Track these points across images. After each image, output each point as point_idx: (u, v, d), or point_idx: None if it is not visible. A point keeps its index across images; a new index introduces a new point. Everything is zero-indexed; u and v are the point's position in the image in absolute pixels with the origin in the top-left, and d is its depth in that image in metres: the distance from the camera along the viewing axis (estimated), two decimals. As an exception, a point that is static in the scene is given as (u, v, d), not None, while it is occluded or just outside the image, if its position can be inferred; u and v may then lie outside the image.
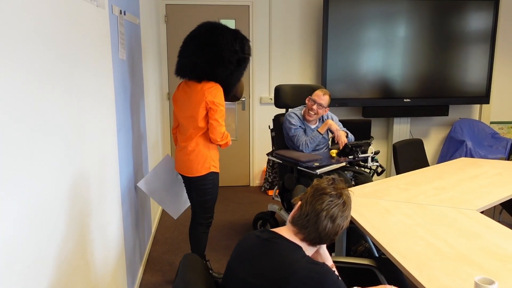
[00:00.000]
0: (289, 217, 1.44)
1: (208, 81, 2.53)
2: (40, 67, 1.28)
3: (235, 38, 2.54)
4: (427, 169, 3.14)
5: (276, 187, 3.75)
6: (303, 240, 1.37)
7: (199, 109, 2.50)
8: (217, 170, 2.66)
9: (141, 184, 2.79)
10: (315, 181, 1.45)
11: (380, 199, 2.44)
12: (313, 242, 1.37)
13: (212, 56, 2.48)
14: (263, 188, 4.84)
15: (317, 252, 1.50)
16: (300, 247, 1.34)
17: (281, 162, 3.20)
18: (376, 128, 5.14)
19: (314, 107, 3.15)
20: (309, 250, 1.39)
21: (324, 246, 1.51)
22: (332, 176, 1.48)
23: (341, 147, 3.03)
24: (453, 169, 3.12)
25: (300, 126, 3.22)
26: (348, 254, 2.68)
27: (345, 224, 1.40)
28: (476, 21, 4.78)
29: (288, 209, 3.37)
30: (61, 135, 1.45)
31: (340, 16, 4.58)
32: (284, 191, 3.33)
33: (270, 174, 4.41)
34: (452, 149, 4.88)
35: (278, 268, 1.25)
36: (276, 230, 1.41)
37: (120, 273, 2.31)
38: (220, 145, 2.62)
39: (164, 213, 4.22)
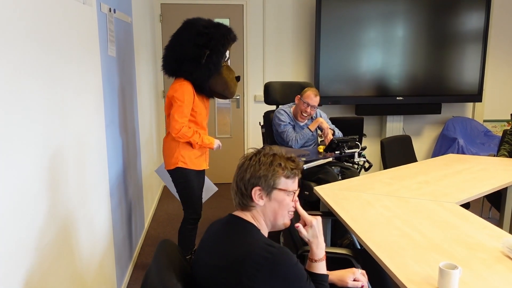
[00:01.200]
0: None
1: (178, 77, 2.62)
2: (21, 59, 1.34)
3: (200, 33, 2.49)
4: (413, 164, 3.19)
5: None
6: (249, 214, 1.38)
7: (166, 103, 2.65)
8: (186, 166, 2.66)
9: (157, 170, 3.01)
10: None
11: (363, 193, 2.49)
12: (249, 207, 1.39)
13: (177, 51, 2.56)
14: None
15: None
16: (254, 226, 1.36)
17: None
18: (370, 126, 5.18)
19: (308, 109, 3.20)
20: (263, 227, 1.41)
21: (317, 242, 1.48)
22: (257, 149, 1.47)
23: (327, 144, 3.09)
24: (439, 164, 3.17)
25: (289, 123, 3.27)
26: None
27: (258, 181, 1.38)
28: (469, 19, 4.82)
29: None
30: (44, 125, 1.51)
31: (333, 14, 4.64)
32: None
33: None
34: (444, 147, 4.92)
35: (236, 250, 1.27)
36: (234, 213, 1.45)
37: (108, 263, 2.37)
38: (191, 144, 2.64)
39: (158, 209, 4.28)
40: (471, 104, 5.33)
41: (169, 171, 2.70)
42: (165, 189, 4.96)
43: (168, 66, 2.64)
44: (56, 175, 1.63)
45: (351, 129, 3.97)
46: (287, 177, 1.37)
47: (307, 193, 2.99)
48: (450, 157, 3.43)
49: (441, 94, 4.93)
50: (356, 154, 3.06)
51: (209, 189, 3.01)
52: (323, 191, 2.54)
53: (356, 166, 3.21)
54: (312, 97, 3.16)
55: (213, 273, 1.30)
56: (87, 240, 1.99)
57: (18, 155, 1.32)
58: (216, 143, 2.72)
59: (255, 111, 5.05)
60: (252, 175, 1.35)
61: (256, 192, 1.35)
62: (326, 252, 1.99)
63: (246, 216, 1.38)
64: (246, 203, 1.37)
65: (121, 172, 2.78)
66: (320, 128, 3.28)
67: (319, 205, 3.01)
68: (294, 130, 3.27)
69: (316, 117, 3.34)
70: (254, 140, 5.11)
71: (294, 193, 1.40)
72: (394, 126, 5.07)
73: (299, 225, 1.45)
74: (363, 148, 3.10)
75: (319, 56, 4.67)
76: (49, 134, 1.57)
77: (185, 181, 2.68)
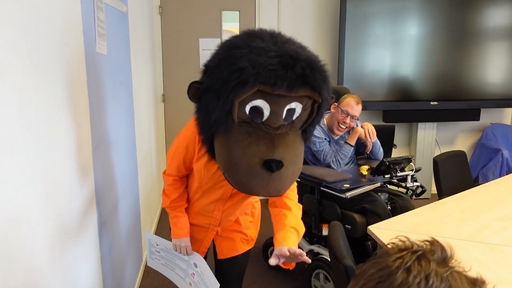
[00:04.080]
0: None
1: None
2: None
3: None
4: (477, 190, 2.58)
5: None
6: None
7: None
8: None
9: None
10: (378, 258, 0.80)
11: (438, 235, 1.87)
12: None
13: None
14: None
15: None
16: None
17: (299, 180, 2.63)
18: (398, 134, 4.55)
19: (347, 120, 2.59)
20: None
21: None
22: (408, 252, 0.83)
23: (368, 148, 2.52)
24: (509, 188, 2.56)
25: (325, 139, 2.65)
26: None
27: None
28: (510, 14, 4.22)
29: (306, 235, 2.80)
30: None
31: (359, 10, 4.01)
32: (302, 214, 2.76)
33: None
34: (484, 158, 4.32)
35: None
36: None
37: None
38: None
39: (157, 235, 3.64)
40: (509, 110, 4.74)
41: None
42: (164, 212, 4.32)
43: None
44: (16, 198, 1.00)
45: (380, 139, 3.37)
46: None
47: (349, 227, 2.37)
48: (514, 178, 2.82)
49: (480, 98, 4.32)
50: (409, 178, 2.44)
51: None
52: (380, 232, 1.92)
53: (405, 190, 2.59)
54: (353, 105, 2.55)
55: None
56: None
57: None
58: (180, 242, 1.70)
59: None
60: None
61: None
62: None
63: None
64: None
65: (114, 203, 2.15)
66: (361, 139, 2.67)
67: (364, 243, 2.40)
68: (330, 146, 2.65)
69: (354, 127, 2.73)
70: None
71: None
72: (426, 134, 4.46)
73: None
74: (417, 170, 2.49)
75: (343, 56, 4.05)
76: (15, 144, 0.94)
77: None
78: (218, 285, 1.67)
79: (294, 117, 1.28)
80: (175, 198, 1.66)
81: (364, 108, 4.16)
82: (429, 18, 4.15)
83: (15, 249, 1.05)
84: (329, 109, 1.30)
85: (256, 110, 1.23)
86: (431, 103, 4.24)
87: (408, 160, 2.40)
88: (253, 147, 1.24)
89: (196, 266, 1.75)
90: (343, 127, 2.59)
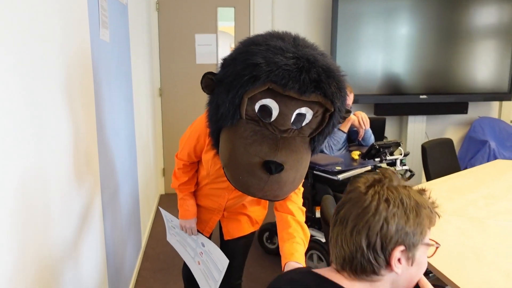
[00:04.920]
0: (331, 258, 0.92)
1: None
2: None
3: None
4: (463, 173, 2.71)
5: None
6: (362, 284, 0.86)
7: None
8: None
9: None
10: (348, 191, 0.92)
11: (423, 212, 1.99)
12: (379, 273, 0.85)
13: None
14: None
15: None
16: None
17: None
18: (388, 127, 4.70)
19: None
20: None
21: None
22: (366, 176, 0.93)
23: (361, 135, 2.61)
24: (494, 173, 2.69)
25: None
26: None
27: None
28: (497, 12, 4.37)
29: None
30: (13, 129, 0.98)
31: (351, 7, 4.14)
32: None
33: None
34: (472, 150, 4.45)
35: None
36: (321, 272, 0.92)
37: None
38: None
39: (155, 224, 3.73)
40: (496, 104, 4.89)
41: None
42: (162, 198, 4.41)
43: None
44: (29, 182, 1.09)
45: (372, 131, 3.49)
46: (431, 227, 0.89)
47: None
48: (499, 164, 2.95)
49: (468, 92, 4.46)
50: (398, 162, 2.56)
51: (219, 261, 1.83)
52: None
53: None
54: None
55: None
56: (73, 271, 1.45)
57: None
58: (185, 223, 1.80)
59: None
60: (398, 228, 0.82)
61: (396, 255, 0.83)
62: None
63: (353, 285, 0.86)
64: (373, 269, 0.84)
65: (116, 185, 2.24)
66: (353, 126, 2.77)
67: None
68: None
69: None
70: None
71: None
72: (416, 127, 4.59)
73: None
74: (406, 154, 2.60)
75: (335, 51, 4.17)
76: (24, 131, 1.04)
77: None
78: (227, 261, 1.72)
79: (304, 123, 1.25)
80: (184, 181, 1.72)
81: (356, 101, 4.29)
82: (419, 15, 4.28)
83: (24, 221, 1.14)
84: (340, 122, 1.31)
85: (265, 109, 1.22)
86: (421, 96, 4.37)
87: (397, 144, 2.51)
88: (256, 146, 1.22)
89: (203, 245, 1.83)
90: None
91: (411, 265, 0.84)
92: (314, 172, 2.56)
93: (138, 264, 2.91)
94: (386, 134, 4.53)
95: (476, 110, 4.80)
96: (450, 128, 4.86)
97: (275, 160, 1.17)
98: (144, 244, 3.27)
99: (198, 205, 1.78)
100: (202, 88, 1.30)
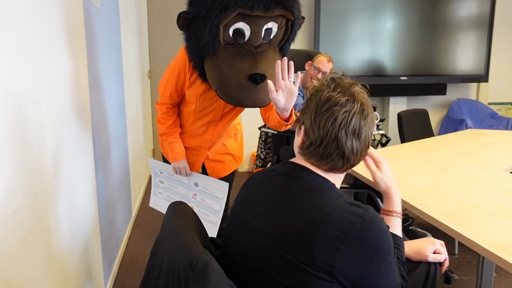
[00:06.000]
0: (295, 147, 1.07)
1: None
2: None
3: None
4: (435, 138, 2.88)
5: (270, 164, 3.43)
6: (329, 170, 1.02)
7: None
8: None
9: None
10: (310, 89, 1.08)
11: (394, 162, 2.15)
12: (342, 170, 1.03)
13: None
14: (254, 166, 4.50)
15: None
16: (331, 183, 1.01)
17: (276, 133, 2.88)
18: (377, 110, 4.87)
19: (319, 76, 2.84)
20: (338, 180, 1.06)
21: (392, 189, 1.18)
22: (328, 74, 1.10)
23: None
24: (463, 137, 2.86)
25: (299, 94, 2.91)
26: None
27: (373, 131, 1.05)
28: (475, 4, 4.58)
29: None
30: (12, 69, 1.10)
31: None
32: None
33: (262, 150, 4.07)
34: (450, 129, 4.64)
35: (305, 212, 0.91)
36: (294, 160, 1.07)
37: (94, 249, 1.96)
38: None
39: (145, 199, 3.85)
40: (474, 86, 5.09)
41: None
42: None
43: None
44: (24, 128, 1.22)
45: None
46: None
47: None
48: (470, 132, 3.13)
49: (446, 74, 4.66)
50: (374, 127, 2.71)
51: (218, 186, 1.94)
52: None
53: (373, 140, 2.86)
54: (324, 62, 2.81)
55: (265, 243, 0.93)
56: (67, 218, 1.58)
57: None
58: (178, 165, 1.91)
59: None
60: (366, 136, 1.02)
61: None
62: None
63: (319, 171, 1.02)
64: (345, 167, 1.02)
65: (107, 145, 2.37)
66: None
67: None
68: (303, 100, 2.91)
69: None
70: (248, 121, 4.73)
71: None
72: (397, 108, 4.76)
73: (369, 163, 1.12)
74: (382, 120, 2.76)
75: (318, 32, 4.33)
76: (18, 79, 1.16)
77: None
78: (227, 184, 1.87)
79: (272, 36, 1.50)
80: (169, 124, 1.87)
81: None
82: (401, 5, 4.47)
83: (23, 161, 1.27)
84: (299, 28, 1.54)
85: (238, 32, 1.44)
86: (401, 78, 4.55)
87: (373, 108, 2.66)
88: (239, 64, 1.45)
89: (196, 185, 1.96)
90: (315, 82, 2.85)
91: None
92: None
93: (128, 231, 3.03)
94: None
95: (455, 92, 5.00)
96: (430, 109, 5.03)
97: (258, 72, 1.41)
98: (135, 214, 3.39)
99: (185, 148, 1.91)
100: (179, 27, 1.48)
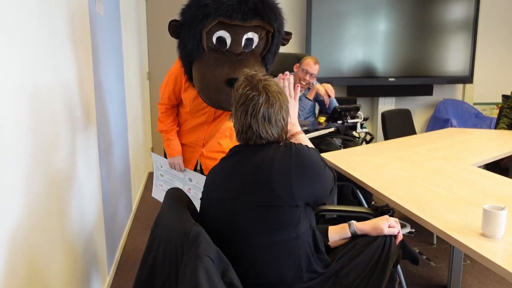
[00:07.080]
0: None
1: None
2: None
3: None
4: (416, 136, 3.08)
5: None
6: None
7: None
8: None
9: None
10: (233, 89, 1.31)
11: (372, 157, 2.35)
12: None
13: None
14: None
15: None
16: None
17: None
18: (361, 108, 5.07)
19: (307, 77, 3.04)
20: None
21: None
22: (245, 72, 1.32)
23: (326, 102, 2.96)
24: (443, 135, 3.06)
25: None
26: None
27: (285, 112, 1.27)
28: (460, 8, 4.80)
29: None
30: (27, 69, 1.30)
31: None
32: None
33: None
34: (436, 128, 4.84)
35: (255, 170, 1.20)
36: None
37: (98, 237, 2.15)
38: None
39: (144, 194, 4.05)
40: (461, 88, 5.30)
41: None
42: (151, 176, 4.72)
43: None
44: (40, 124, 1.41)
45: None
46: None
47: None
48: (451, 130, 3.33)
49: (433, 75, 4.87)
50: (359, 125, 2.92)
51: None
52: (332, 157, 2.38)
53: (357, 138, 3.07)
54: (311, 64, 3.01)
55: (237, 204, 1.19)
56: (76, 206, 1.77)
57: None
58: (174, 160, 2.11)
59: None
60: (279, 120, 1.26)
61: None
62: (349, 211, 1.83)
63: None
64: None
65: (110, 142, 2.56)
66: (318, 94, 3.13)
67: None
68: (293, 101, 3.11)
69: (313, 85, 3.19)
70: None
71: None
72: (386, 108, 4.95)
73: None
74: (366, 119, 2.96)
75: (310, 35, 4.53)
76: (35, 78, 1.36)
77: None
78: None
79: (254, 46, 1.66)
80: (167, 123, 2.08)
81: (329, 83, 4.65)
82: (390, 8, 4.66)
83: (40, 153, 1.46)
84: (284, 43, 1.73)
85: (221, 40, 1.62)
86: (390, 79, 4.76)
87: (357, 108, 2.87)
88: (219, 69, 1.63)
89: (191, 180, 2.16)
90: (303, 83, 3.05)
91: None
92: (285, 134, 2.90)
93: (129, 223, 3.23)
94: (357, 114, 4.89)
95: (441, 93, 5.21)
96: (418, 110, 5.25)
97: (235, 77, 1.56)
98: (135, 208, 3.59)
99: (181, 144, 2.11)
100: (170, 34, 1.70)
